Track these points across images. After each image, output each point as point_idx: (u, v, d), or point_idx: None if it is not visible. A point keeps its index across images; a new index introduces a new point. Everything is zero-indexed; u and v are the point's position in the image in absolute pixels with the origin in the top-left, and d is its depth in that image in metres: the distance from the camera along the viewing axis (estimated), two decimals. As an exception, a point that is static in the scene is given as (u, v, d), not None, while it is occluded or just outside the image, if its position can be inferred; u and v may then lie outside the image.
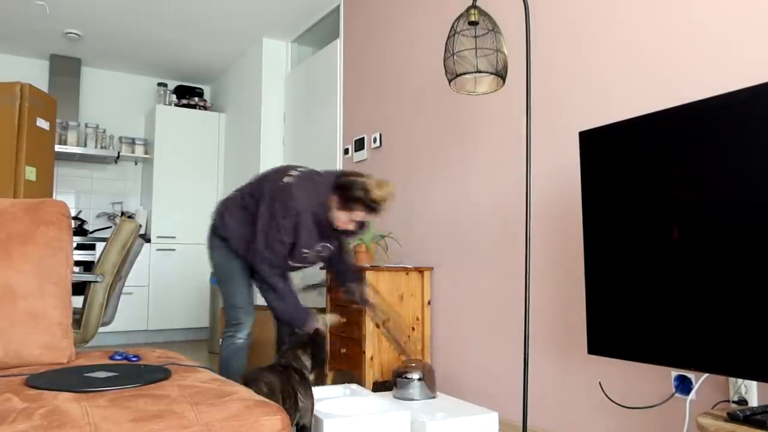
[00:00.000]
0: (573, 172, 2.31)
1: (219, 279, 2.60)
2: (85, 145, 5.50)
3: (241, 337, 2.53)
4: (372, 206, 2.34)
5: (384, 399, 2.53)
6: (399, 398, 2.68)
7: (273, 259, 2.39)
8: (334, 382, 3.27)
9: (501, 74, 2.10)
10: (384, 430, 2.23)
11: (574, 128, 2.32)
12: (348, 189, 2.32)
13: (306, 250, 2.44)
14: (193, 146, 5.76)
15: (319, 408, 2.32)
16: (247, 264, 2.52)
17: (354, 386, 2.71)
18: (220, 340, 3.77)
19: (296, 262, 2.49)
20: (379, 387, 2.88)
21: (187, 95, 5.95)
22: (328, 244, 2.51)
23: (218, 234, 2.56)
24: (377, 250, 3.53)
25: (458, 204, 2.93)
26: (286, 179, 2.40)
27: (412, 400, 2.66)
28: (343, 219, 2.38)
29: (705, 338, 1.46)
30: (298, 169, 2.50)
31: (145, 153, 5.80)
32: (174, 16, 4.62)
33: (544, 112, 2.46)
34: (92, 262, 5.15)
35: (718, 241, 1.44)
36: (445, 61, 2.14)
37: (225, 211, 2.55)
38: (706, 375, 1.77)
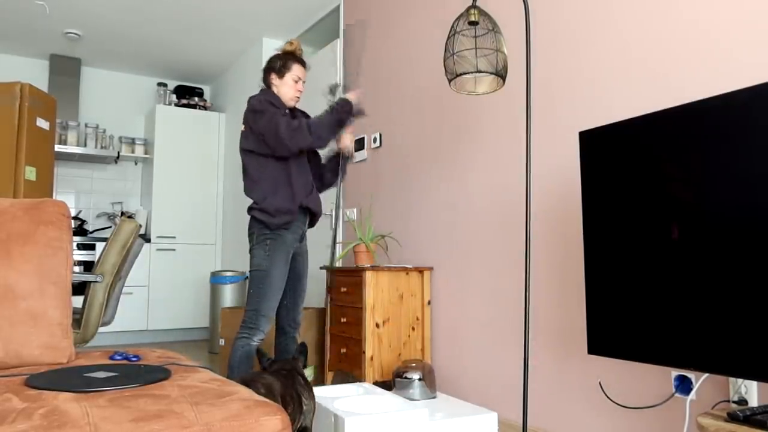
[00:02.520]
0: (573, 172, 2.31)
1: (255, 278, 2.58)
2: (85, 145, 5.50)
3: (256, 341, 2.54)
4: (295, 56, 2.73)
5: (397, 398, 2.52)
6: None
7: (293, 129, 2.53)
8: (334, 381, 3.27)
9: (501, 74, 2.10)
10: (403, 428, 2.23)
11: (574, 128, 2.32)
12: (272, 62, 2.72)
13: None
14: (193, 146, 5.76)
15: (336, 406, 2.31)
16: (288, 268, 2.64)
17: (367, 384, 2.71)
18: (221, 340, 3.77)
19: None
20: (379, 387, 2.88)
21: (187, 95, 5.96)
22: None
23: (257, 220, 2.60)
24: (377, 250, 3.53)
25: (458, 204, 2.93)
26: (244, 127, 2.68)
27: (412, 400, 2.66)
28: (292, 85, 2.71)
29: (705, 338, 1.46)
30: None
31: (145, 153, 5.80)
32: (174, 16, 4.62)
33: (544, 112, 2.46)
34: (92, 262, 5.16)
35: (718, 242, 1.44)
36: (445, 61, 2.14)
37: (247, 188, 2.67)
38: (706, 375, 1.77)
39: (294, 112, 2.77)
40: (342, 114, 2.66)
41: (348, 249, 3.27)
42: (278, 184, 2.59)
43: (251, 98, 2.65)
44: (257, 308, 2.54)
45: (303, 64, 2.75)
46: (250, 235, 2.64)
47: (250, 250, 2.62)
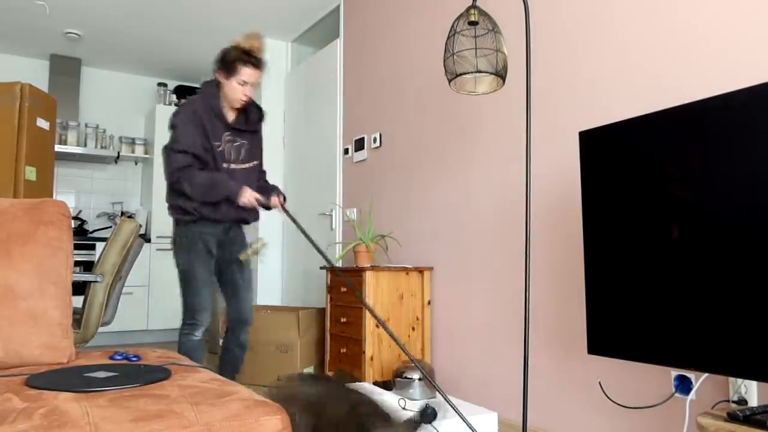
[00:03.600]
0: (573, 172, 2.31)
1: (180, 277, 2.60)
2: (85, 145, 5.50)
3: (198, 335, 2.54)
4: (251, 57, 2.52)
5: (395, 397, 2.52)
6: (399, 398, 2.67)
7: (179, 168, 2.47)
8: (334, 382, 3.27)
9: (501, 74, 2.10)
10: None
11: (574, 128, 2.32)
12: (222, 57, 2.55)
13: (217, 143, 2.55)
14: (193, 146, 5.75)
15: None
16: (212, 264, 2.63)
17: (365, 385, 2.71)
18: (221, 340, 3.77)
19: (227, 162, 2.59)
20: (379, 387, 2.88)
21: (187, 95, 5.95)
22: (240, 139, 2.64)
23: (177, 221, 2.61)
24: (377, 250, 3.53)
25: (458, 204, 2.93)
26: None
27: (412, 400, 2.66)
28: (237, 88, 2.54)
29: (705, 338, 1.46)
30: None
31: (145, 153, 5.79)
32: (174, 16, 4.62)
33: (544, 112, 2.46)
34: (92, 262, 5.15)
35: (718, 241, 1.44)
36: (445, 61, 2.14)
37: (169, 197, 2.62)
38: (706, 375, 1.77)
39: (241, 110, 2.66)
40: (228, 194, 2.51)
41: (348, 249, 3.27)
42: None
43: (181, 103, 2.60)
44: (191, 302, 2.54)
45: (256, 66, 2.55)
46: (173, 242, 2.66)
47: (175, 255, 2.64)
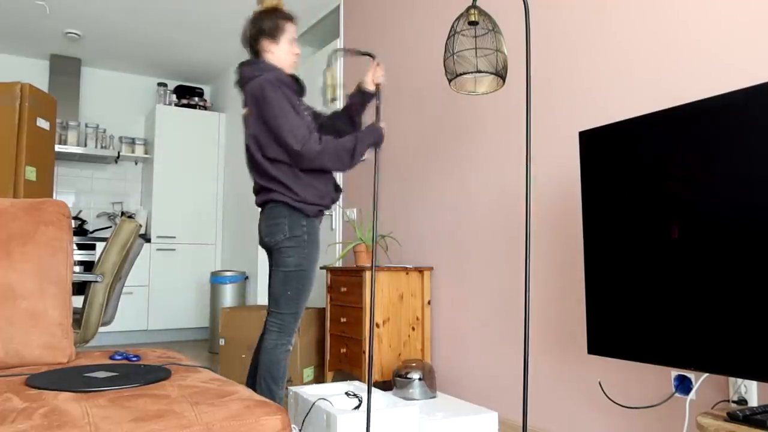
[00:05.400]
0: (573, 172, 2.31)
1: (294, 278, 2.21)
2: (85, 145, 5.50)
3: (290, 347, 2.26)
4: (285, 14, 2.34)
5: (387, 397, 2.53)
6: (399, 398, 2.68)
7: (308, 134, 2.17)
8: (334, 381, 3.27)
9: (501, 74, 2.10)
10: (393, 425, 2.24)
11: (574, 128, 2.32)
12: (262, 26, 2.31)
13: (305, 112, 2.31)
14: (193, 146, 5.76)
15: (328, 404, 2.33)
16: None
17: (356, 383, 2.72)
18: (221, 340, 3.77)
19: None
20: (379, 387, 2.89)
21: (187, 95, 5.95)
22: (308, 106, 2.42)
23: (290, 206, 2.22)
24: (377, 249, 3.53)
25: (458, 204, 2.93)
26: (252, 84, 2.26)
27: (412, 399, 2.66)
28: (289, 49, 2.34)
29: (705, 338, 1.46)
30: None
31: (145, 153, 5.80)
32: (174, 16, 4.62)
33: (544, 112, 2.46)
34: (92, 262, 5.15)
35: (718, 241, 1.44)
36: (445, 61, 2.14)
37: (262, 176, 2.26)
38: (706, 375, 1.77)
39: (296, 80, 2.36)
40: (370, 142, 2.35)
41: (348, 249, 3.27)
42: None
43: (254, 80, 2.22)
44: (297, 311, 2.23)
45: (294, 20, 2.36)
46: (276, 225, 2.22)
47: (280, 246, 2.21)
